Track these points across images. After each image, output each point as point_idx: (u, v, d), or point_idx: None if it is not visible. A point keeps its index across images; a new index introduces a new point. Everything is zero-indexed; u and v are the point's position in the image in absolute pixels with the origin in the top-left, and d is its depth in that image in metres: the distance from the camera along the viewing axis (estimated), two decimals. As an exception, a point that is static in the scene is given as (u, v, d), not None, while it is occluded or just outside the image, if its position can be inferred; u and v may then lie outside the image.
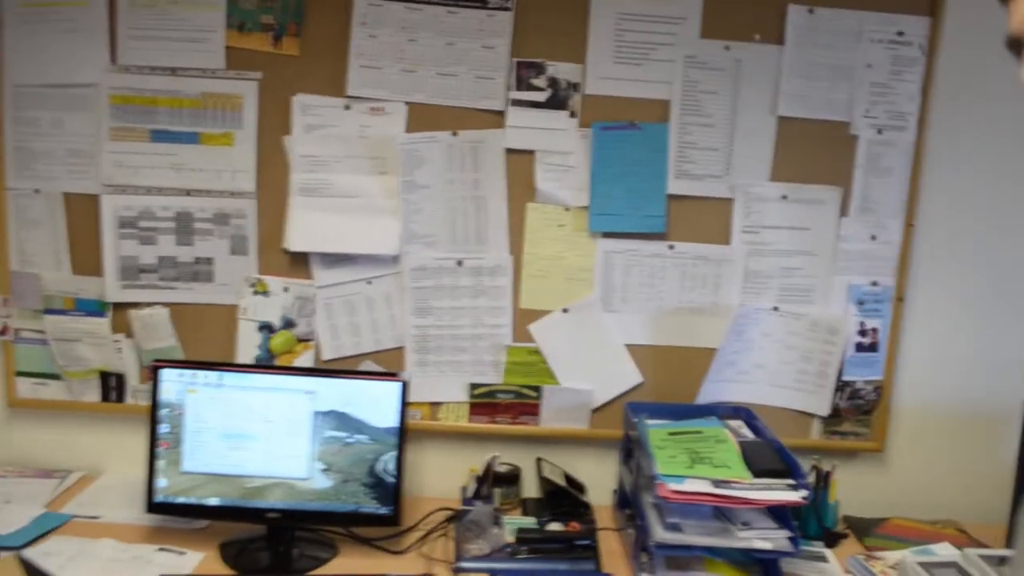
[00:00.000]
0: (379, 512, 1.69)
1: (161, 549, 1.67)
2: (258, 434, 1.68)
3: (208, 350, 1.89)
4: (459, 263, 1.87)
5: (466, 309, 1.89)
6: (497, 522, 1.77)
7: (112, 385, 1.92)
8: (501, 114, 1.82)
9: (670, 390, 1.94)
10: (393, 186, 1.83)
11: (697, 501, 1.58)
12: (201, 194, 1.84)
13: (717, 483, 1.59)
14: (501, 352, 1.91)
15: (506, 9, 1.78)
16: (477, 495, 1.81)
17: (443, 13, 1.78)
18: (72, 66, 1.78)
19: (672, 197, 1.86)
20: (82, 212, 1.84)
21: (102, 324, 1.88)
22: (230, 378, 1.68)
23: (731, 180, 1.86)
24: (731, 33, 1.82)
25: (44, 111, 1.80)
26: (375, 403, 1.69)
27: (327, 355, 1.90)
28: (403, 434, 1.69)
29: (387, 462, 1.69)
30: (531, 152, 1.84)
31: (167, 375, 1.67)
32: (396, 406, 1.68)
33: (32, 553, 1.60)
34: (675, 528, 1.62)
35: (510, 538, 1.73)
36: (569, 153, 1.84)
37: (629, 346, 1.92)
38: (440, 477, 1.96)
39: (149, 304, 1.88)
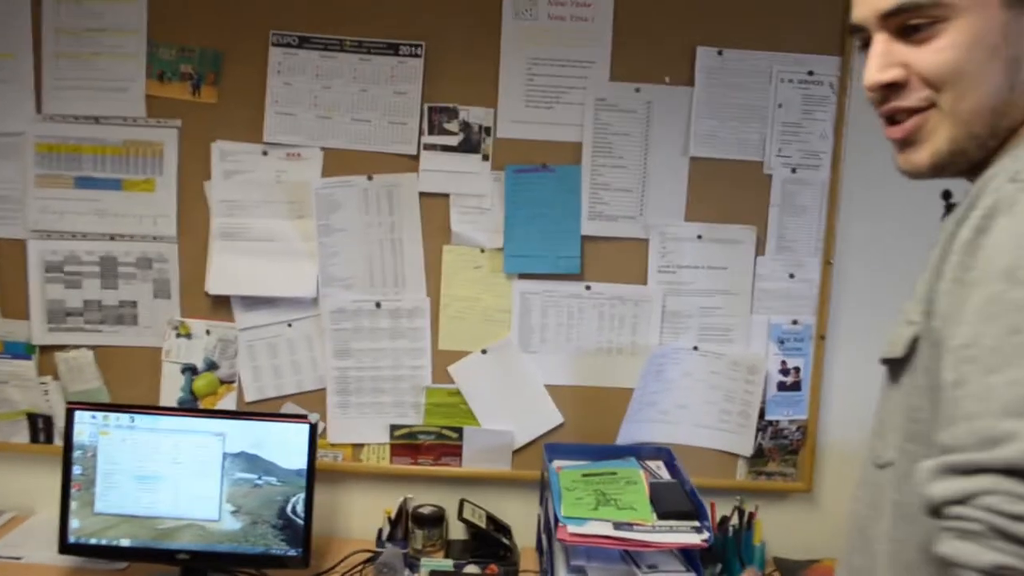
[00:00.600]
0: (288, 554, 1.71)
1: (72, 590, 1.70)
2: (169, 476, 1.70)
3: (133, 392, 1.92)
4: (377, 305, 1.90)
5: (386, 351, 1.91)
6: (411, 565, 1.78)
7: (40, 427, 1.95)
8: (415, 158, 1.85)
9: (592, 430, 1.94)
10: (310, 229, 1.87)
11: (595, 544, 1.57)
12: (124, 239, 1.88)
13: (618, 525, 1.58)
14: (421, 393, 1.93)
15: (416, 56, 1.82)
16: (391, 537, 1.82)
17: (356, 60, 1.82)
18: (-1, 116, 1.85)
19: (587, 238, 1.88)
20: (10, 257, 1.89)
21: (29, 367, 1.92)
22: (141, 420, 1.71)
23: (645, 220, 1.87)
24: (641, 75, 1.84)
25: (-28, 160, 1.86)
26: (285, 445, 1.70)
27: (250, 397, 1.93)
28: (312, 476, 1.70)
29: (296, 504, 1.70)
30: (446, 195, 1.86)
31: (80, 417, 1.70)
32: (305, 448, 1.70)
33: (-57, 594, 1.64)
34: (579, 571, 1.61)
35: (423, 580, 1.74)
36: (483, 195, 1.86)
37: (549, 386, 1.93)
38: (362, 519, 1.96)
39: (75, 347, 1.92)
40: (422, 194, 1.86)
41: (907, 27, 0.78)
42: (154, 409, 1.74)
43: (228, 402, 1.93)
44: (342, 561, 1.82)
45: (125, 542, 1.70)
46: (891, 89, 0.79)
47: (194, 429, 1.70)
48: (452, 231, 1.87)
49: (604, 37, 1.82)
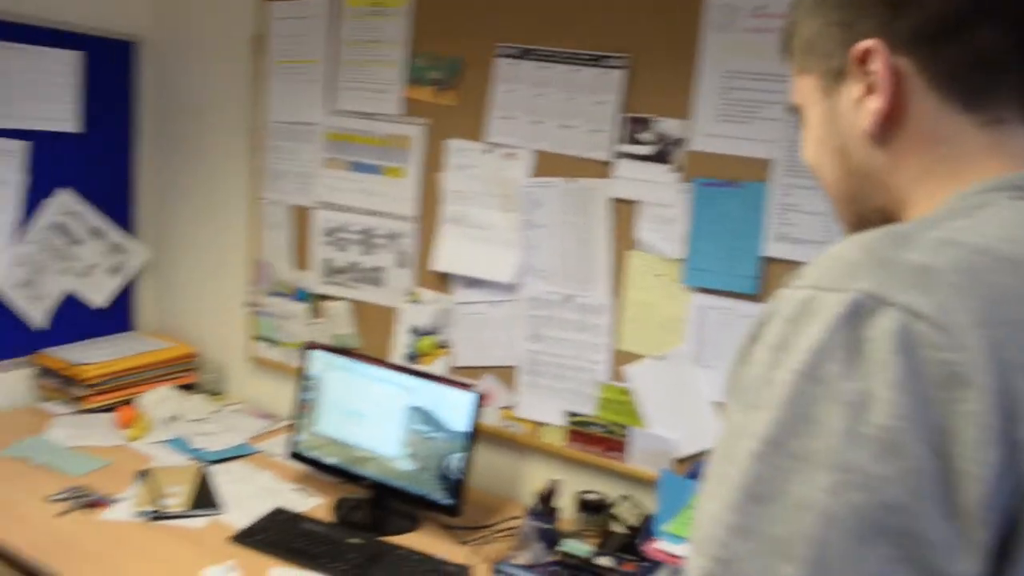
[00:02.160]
0: (443, 502, 1.96)
1: (295, 489, 2.13)
2: (367, 414, 2.05)
3: (374, 341, 2.31)
4: (567, 298, 2.04)
5: (571, 341, 2.05)
6: (549, 540, 1.92)
7: (312, 357, 2.45)
8: (608, 165, 1.95)
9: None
10: (516, 223, 2.07)
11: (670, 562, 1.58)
12: (380, 215, 2.26)
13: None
14: (596, 387, 2.03)
15: (618, 67, 1.90)
16: (539, 512, 1.97)
17: (566, 71, 1.96)
18: (304, 108, 2.33)
19: (772, 260, 1.81)
20: (302, 221, 2.39)
21: (306, 309, 2.41)
22: (356, 366, 2.08)
23: (833, 248, 1.75)
24: (845, 94, 1.71)
25: (286, 141, 2.38)
26: (455, 408, 1.95)
27: (458, 362, 2.20)
28: (472, 438, 1.93)
29: (455, 460, 1.94)
30: (635, 202, 1.93)
31: (315, 355, 2.13)
32: (469, 413, 1.93)
33: (214, 469, 2.17)
34: (677, 586, 1.63)
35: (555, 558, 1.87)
36: (670, 206, 1.89)
37: (718, 404, 1.91)
38: (532, 489, 2.14)
39: (338, 298, 2.36)
40: (613, 199, 1.96)
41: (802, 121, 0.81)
42: (366, 358, 2.09)
43: (441, 364, 2.22)
44: (499, 522, 2.03)
45: (331, 460, 2.10)
46: None
47: (390, 380, 2.02)
48: (637, 238, 1.94)
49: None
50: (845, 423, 0.52)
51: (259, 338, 2.56)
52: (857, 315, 0.54)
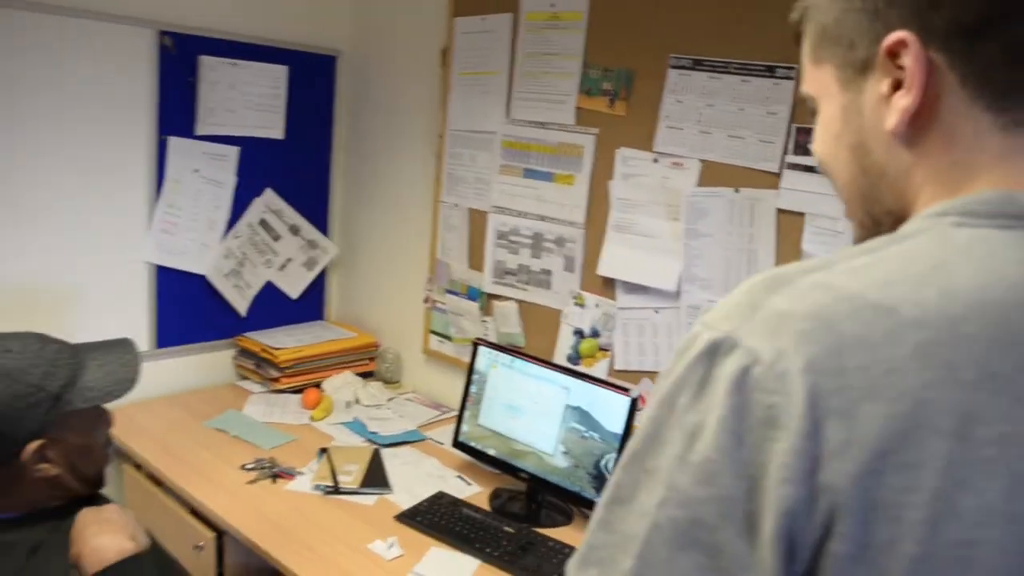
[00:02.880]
0: (595, 500, 2.01)
1: (458, 476, 2.25)
2: (527, 410, 2.14)
3: (539, 341, 2.40)
4: (728, 308, 2.03)
5: (731, 351, 2.04)
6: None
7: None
8: (778, 175, 1.93)
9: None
10: (679, 231, 2.09)
11: None
12: (550, 221, 2.35)
13: None
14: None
15: (790, 79, 1.88)
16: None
17: (737, 82, 1.97)
18: (483, 118, 2.46)
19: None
20: (478, 224, 2.51)
21: (476, 307, 2.54)
22: (518, 364, 2.17)
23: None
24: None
25: (464, 149, 2.52)
26: (610, 410, 2.00)
27: (618, 365, 2.25)
28: (625, 441, 1.97)
29: (609, 461, 1.99)
30: (802, 214, 1.91)
31: (482, 351, 2.24)
32: (624, 416, 1.97)
33: (385, 452, 2.34)
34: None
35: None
36: (837, 219, 1.86)
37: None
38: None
39: (507, 298, 2.47)
40: (780, 210, 1.94)
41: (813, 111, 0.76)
42: (528, 356, 2.18)
43: (601, 367, 2.28)
44: (652, 526, 2.05)
45: (491, 451, 2.20)
46: None
47: (550, 379, 2.10)
48: (803, 249, 1.91)
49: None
50: (679, 448, 0.60)
51: (434, 332, 2.72)
52: (714, 354, 0.60)
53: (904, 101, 0.64)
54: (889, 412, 0.54)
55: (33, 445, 1.33)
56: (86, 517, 1.38)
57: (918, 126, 0.65)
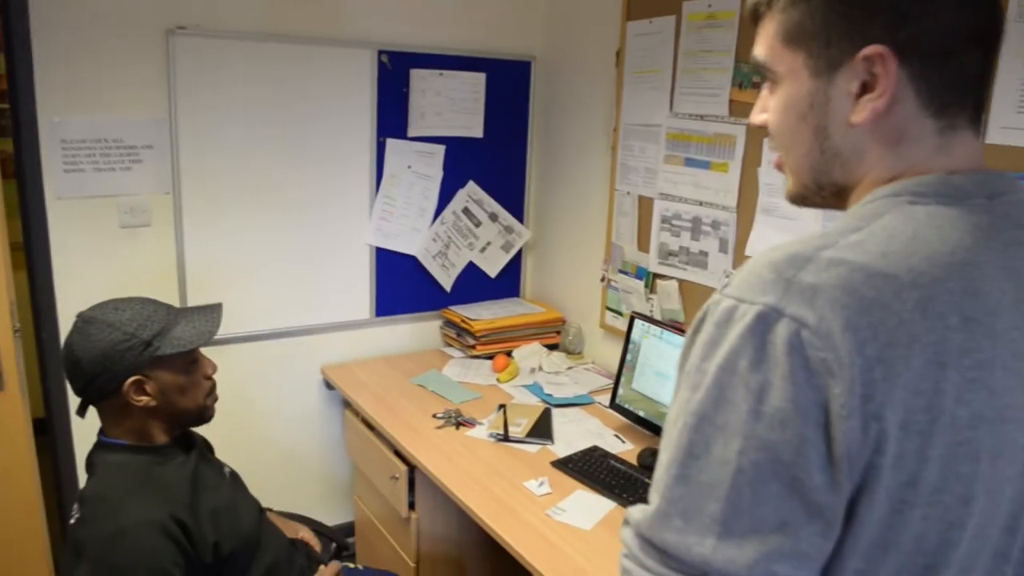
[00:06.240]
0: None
1: (615, 435, 2.51)
2: (671, 377, 2.34)
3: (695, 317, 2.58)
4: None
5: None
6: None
7: (646, 328, 2.80)
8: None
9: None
10: (819, 214, 2.19)
11: None
12: (706, 205, 2.53)
13: None
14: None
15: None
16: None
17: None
18: (650, 112, 2.68)
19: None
20: (646, 209, 2.74)
21: (641, 285, 2.77)
22: (666, 335, 2.39)
23: None
24: None
25: (635, 141, 2.75)
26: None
27: (766, 341, 2.38)
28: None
29: (742, 425, 2.16)
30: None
31: (637, 323, 2.48)
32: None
33: (555, 411, 2.65)
34: None
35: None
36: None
37: None
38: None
39: (669, 278, 2.68)
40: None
41: (772, 82, 0.87)
42: (678, 329, 2.39)
43: (751, 342, 2.43)
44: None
45: (640, 413, 2.44)
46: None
47: (694, 349, 2.30)
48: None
49: None
50: (751, 403, 0.72)
51: (609, 308, 2.99)
52: (763, 323, 0.72)
53: (875, 103, 0.78)
54: (907, 354, 0.71)
55: (130, 380, 1.61)
56: None
57: (877, 123, 0.80)
